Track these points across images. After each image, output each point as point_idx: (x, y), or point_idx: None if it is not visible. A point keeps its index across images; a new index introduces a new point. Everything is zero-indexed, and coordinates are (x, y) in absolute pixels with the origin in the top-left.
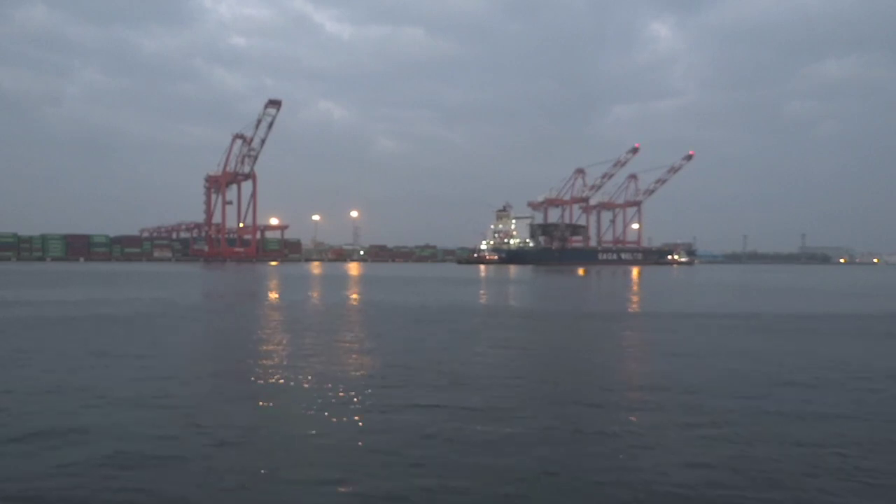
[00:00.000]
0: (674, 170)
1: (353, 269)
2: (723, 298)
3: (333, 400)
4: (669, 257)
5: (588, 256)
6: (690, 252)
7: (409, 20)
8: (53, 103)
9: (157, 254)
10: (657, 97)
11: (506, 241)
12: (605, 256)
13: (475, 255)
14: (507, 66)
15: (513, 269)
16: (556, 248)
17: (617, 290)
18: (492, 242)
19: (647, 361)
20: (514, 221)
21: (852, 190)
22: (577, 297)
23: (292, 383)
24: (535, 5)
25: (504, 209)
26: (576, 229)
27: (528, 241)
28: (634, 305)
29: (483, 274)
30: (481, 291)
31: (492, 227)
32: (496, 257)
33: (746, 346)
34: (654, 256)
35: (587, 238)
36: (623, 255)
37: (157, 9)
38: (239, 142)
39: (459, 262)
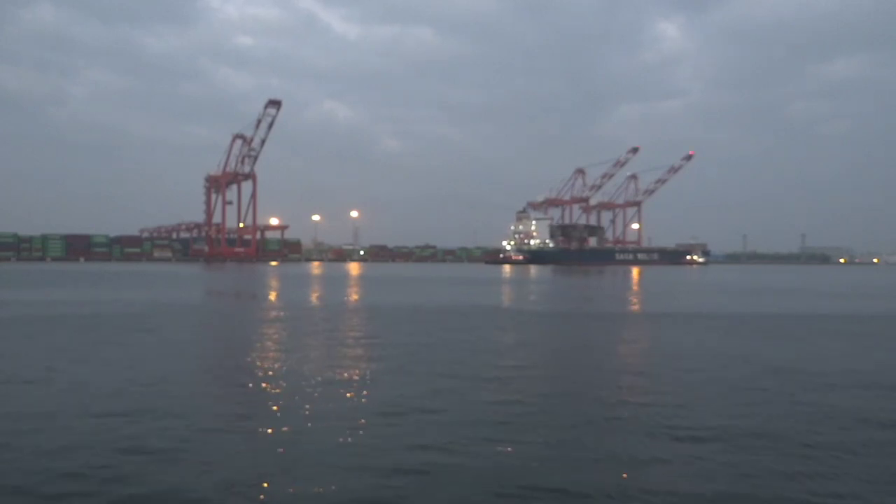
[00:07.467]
0: (674, 170)
1: (354, 269)
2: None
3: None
4: (687, 258)
5: (605, 256)
6: (705, 252)
7: (417, 20)
8: (57, 103)
9: (157, 254)
10: (663, 97)
11: (526, 241)
12: (622, 257)
13: (501, 255)
14: (513, 65)
15: (532, 270)
16: (574, 249)
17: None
18: (513, 243)
19: None
20: (533, 222)
21: (852, 190)
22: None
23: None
24: (543, 5)
25: (524, 210)
26: (593, 230)
27: (547, 241)
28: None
29: (507, 274)
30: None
31: (512, 227)
32: (521, 258)
33: None
34: (671, 257)
35: (604, 239)
36: (640, 256)
37: (163, 8)
38: (239, 142)
39: (487, 262)
